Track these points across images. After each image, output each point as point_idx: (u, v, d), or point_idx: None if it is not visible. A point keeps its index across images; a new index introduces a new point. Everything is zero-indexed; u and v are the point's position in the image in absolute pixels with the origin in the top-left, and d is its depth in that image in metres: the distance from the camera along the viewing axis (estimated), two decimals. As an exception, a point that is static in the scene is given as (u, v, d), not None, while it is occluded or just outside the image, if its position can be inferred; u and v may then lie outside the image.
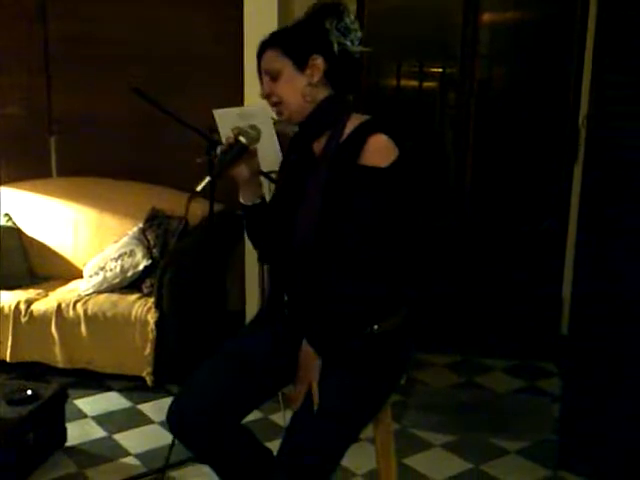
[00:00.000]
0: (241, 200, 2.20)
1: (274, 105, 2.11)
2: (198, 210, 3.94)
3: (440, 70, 4.54)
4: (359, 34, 2.09)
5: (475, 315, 4.51)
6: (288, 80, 2.06)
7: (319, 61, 2.05)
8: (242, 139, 2.08)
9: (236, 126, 2.11)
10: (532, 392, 3.99)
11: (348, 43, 2.07)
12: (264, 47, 2.11)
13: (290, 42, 2.08)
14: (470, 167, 4.49)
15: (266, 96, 2.11)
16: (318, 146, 2.12)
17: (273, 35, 2.12)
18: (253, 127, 2.11)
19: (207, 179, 2.01)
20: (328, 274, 2.02)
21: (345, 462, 3.03)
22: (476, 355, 4.40)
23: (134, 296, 3.90)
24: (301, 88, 2.06)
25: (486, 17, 4.36)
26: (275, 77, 2.07)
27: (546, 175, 4.43)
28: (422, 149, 4.58)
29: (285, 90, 2.07)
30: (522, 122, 4.41)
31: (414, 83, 4.59)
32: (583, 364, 3.07)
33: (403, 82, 4.59)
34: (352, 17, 2.10)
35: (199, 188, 2.00)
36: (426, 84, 4.56)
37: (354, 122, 2.06)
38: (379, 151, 1.98)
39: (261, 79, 2.13)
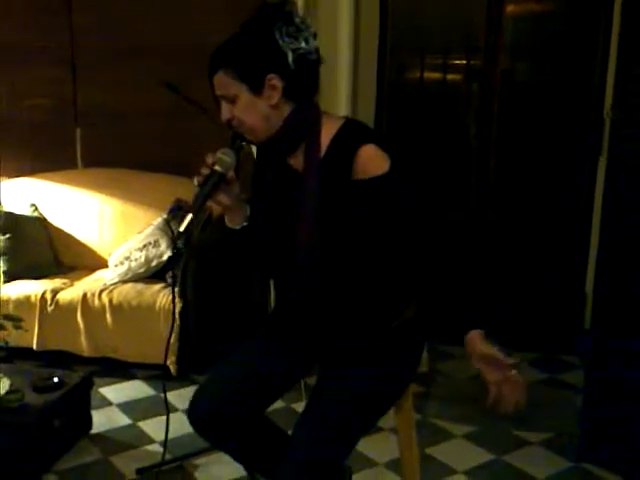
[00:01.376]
0: (228, 225, 2.10)
1: (236, 127, 1.99)
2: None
3: (464, 62, 4.52)
4: (312, 29, 1.97)
5: (497, 307, 4.49)
6: (246, 105, 1.94)
7: (275, 81, 1.93)
8: (218, 168, 1.96)
9: (210, 154, 1.98)
10: (555, 384, 3.99)
11: (303, 44, 1.94)
12: (215, 68, 1.97)
13: (242, 65, 1.93)
14: (493, 159, 4.47)
15: (227, 121, 1.99)
16: (295, 161, 2.03)
17: (223, 53, 1.97)
18: (227, 153, 1.97)
19: (189, 217, 1.91)
20: (339, 283, 2.01)
21: (367, 451, 3.11)
22: (498, 347, 4.38)
23: (158, 286, 3.93)
24: (261, 111, 1.95)
25: (510, 8, 4.33)
26: (232, 101, 1.95)
27: (570, 167, 4.40)
28: (445, 141, 4.56)
29: (245, 115, 1.95)
30: (546, 114, 4.38)
31: (438, 75, 4.58)
32: (605, 357, 3.06)
33: (427, 74, 4.58)
34: (300, 15, 1.99)
35: (182, 228, 1.91)
36: (450, 76, 4.54)
37: (330, 128, 1.98)
38: (372, 161, 1.91)
39: (217, 100, 2.01)
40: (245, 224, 2.08)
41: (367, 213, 1.92)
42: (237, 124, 1.98)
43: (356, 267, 2.00)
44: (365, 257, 1.98)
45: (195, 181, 1.98)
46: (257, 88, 1.93)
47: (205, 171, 1.97)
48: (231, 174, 1.99)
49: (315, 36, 1.97)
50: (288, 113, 1.98)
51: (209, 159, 1.97)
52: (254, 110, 1.95)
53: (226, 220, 2.10)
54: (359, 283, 2.01)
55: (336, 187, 1.93)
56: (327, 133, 1.98)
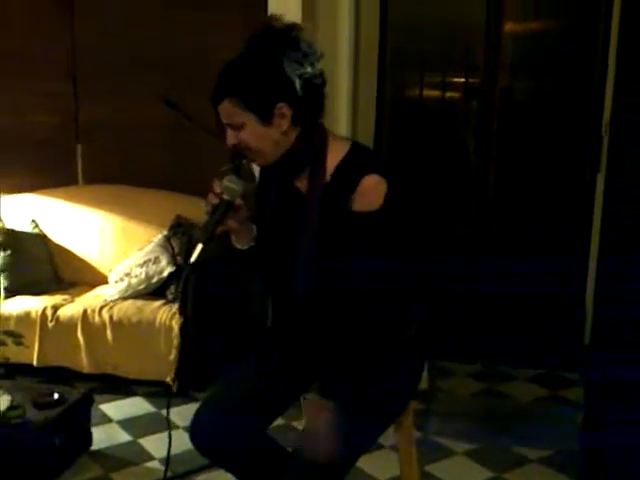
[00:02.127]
0: (235, 245, 2.10)
1: (243, 151, 1.99)
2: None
3: (463, 80, 4.55)
4: (317, 53, 1.96)
5: (498, 324, 4.50)
6: (255, 134, 1.94)
7: (285, 109, 1.93)
8: (225, 197, 1.96)
9: (217, 182, 1.98)
10: (555, 401, 3.98)
11: (309, 70, 1.93)
12: (221, 96, 1.95)
13: (250, 93, 1.91)
14: (492, 176, 4.50)
15: (232, 147, 1.98)
16: (301, 183, 2.04)
17: (229, 81, 1.95)
18: (233, 180, 1.97)
19: (200, 246, 1.92)
20: (338, 303, 2.00)
21: (367, 468, 3.10)
22: (499, 364, 4.39)
23: (159, 302, 3.94)
24: (271, 138, 1.95)
25: (509, 27, 4.37)
26: (239, 128, 1.95)
27: (569, 184, 4.42)
28: (445, 159, 4.58)
29: (253, 141, 1.95)
30: (545, 131, 4.41)
31: (437, 93, 4.61)
32: (606, 374, 3.06)
33: (426, 92, 4.61)
34: (306, 40, 1.97)
35: (193, 259, 1.93)
36: (449, 94, 4.57)
37: (336, 151, 2.00)
38: (370, 194, 1.92)
39: (220, 125, 2.01)
40: (252, 244, 2.09)
41: (360, 241, 1.94)
42: (244, 148, 1.98)
43: (354, 287, 1.99)
44: (362, 278, 1.98)
45: (204, 208, 1.98)
46: (267, 118, 1.93)
47: (213, 200, 1.96)
48: (239, 201, 1.99)
49: (320, 59, 1.98)
50: (295, 137, 1.99)
51: (216, 188, 1.96)
52: (263, 138, 1.95)
53: (233, 240, 2.10)
54: (358, 302, 2.01)
55: (334, 214, 1.95)
56: (333, 158, 1.99)
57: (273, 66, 1.92)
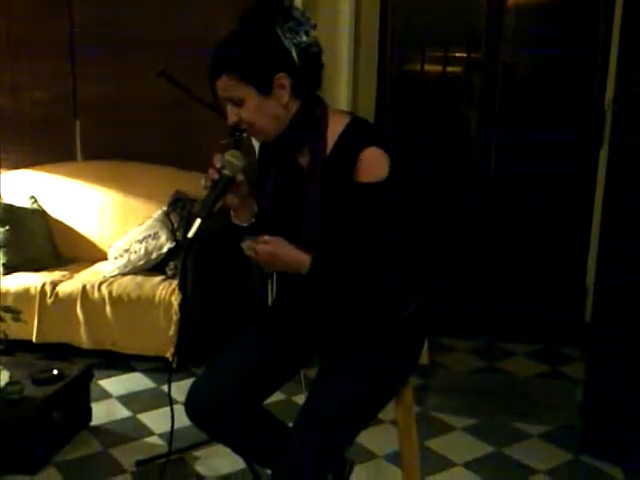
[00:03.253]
0: (235, 222, 2.06)
1: (245, 130, 1.95)
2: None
3: (465, 54, 4.51)
4: (312, 22, 1.94)
5: (498, 300, 4.49)
6: (255, 107, 1.91)
7: (284, 79, 1.91)
8: (226, 172, 1.92)
9: (218, 157, 1.93)
10: (555, 377, 3.98)
11: (304, 38, 1.91)
12: (218, 72, 1.91)
13: (248, 67, 1.88)
14: (495, 151, 4.47)
15: (234, 124, 1.94)
16: (302, 157, 2.02)
17: (225, 58, 1.91)
18: (235, 155, 1.93)
19: (198, 221, 1.88)
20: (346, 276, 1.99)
21: (367, 443, 3.11)
22: (498, 340, 4.39)
23: (158, 278, 3.93)
24: (271, 112, 1.93)
25: (511, 0, 4.32)
26: (238, 103, 1.92)
27: (571, 159, 4.39)
28: (447, 133, 4.55)
29: (254, 117, 1.92)
30: (547, 106, 4.38)
31: (438, 68, 4.57)
32: (606, 349, 3.05)
33: (427, 67, 4.57)
34: (299, 8, 1.96)
35: (191, 234, 1.89)
36: (450, 69, 4.54)
37: (336, 126, 1.97)
38: (374, 165, 1.91)
39: (217, 102, 1.99)
40: (253, 221, 2.06)
41: (365, 213, 1.92)
42: (246, 126, 1.95)
43: (357, 260, 1.98)
44: (367, 252, 1.96)
45: (203, 183, 1.94)
46: (266, 89, 1.91)
47: (214, 175, 1.93)
48: (240, 177, 1.96)
49: (314, 27, 1.95)
50: (296, 110, 1.96)
51: (217, 162, 1.93)
52: (264, 111, 1.92)
53: (232, 217, 2.07)
54: (361, 274, 1.98)
55: (338, 187, 1.93)
56: (333, 131, 1.97)
57: (268, 36, 1.90)
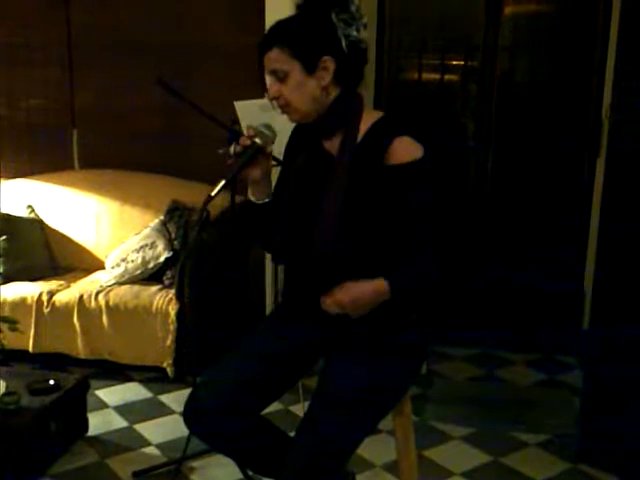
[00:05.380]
0: (250, 197, 2.12)
1: (281, 107, 2.03)
2: (219, 202, 3.94)
3: (462, 62, 4.51)
4: (364, 20, 2.03)
5: (496, 308, 4.49)
6: (297, 84, 1.98)
7: (329, 62, 1.98)
8: (258, 141, 2.00)
9: (251, 126, 2.03)
10: (553, 385, 3.98)
11: (354, 33, 2.00)
12: (270, 44, 1.99)
13: (299, 43, 1.97)
14: (491, 159, 4.47)
15: (273, 98, 2.02)
16: (331, 145, 2.07)
17: (280, 31, 2.00)
18: (268, 127, 2.02)
19: (222, 182, 1.95)
20: (357, 270, 1.99)
21: (365, 453, 3.09)
22: (497, 348, 4.39)
23: (155, 287, 3.92)
24: (311, 92, 1.99)
25: (508, 9, 4.33)
26: (282, 78, 1.98)
27: (568, 167, 4.39)
28: (443, 141, 4.55)
29: (294, 94, 1.99)
30: (544, 114, 4.38)
31: (435, 76, 4.57)
32: (604, 358, 3.05)
33: (425, 75, 4.57)
34: (356, 3, 2.04)
35: (214, 193, 1.95)
36: (447, 76, 4.53)
37: (368, 119, 2.03)
38: (406, 149, 1.95)
39: (263, 75, 2.03)
40: (267, 200, 2.11)
41: (395, 198, 1.94)
42: (283, 103, 2.01)
43: (375, 255, 2.00)
44: (385, 246, 1.99)
45: (232, 149, 2.01)
46: (311, 68, 1.98)
47: (246, 142, 2.00)
48: (269, 148, 2.04)
49: (366, 27, 2.03)
50: (334, 97, 2.02)
51: (250, 131, 2.01)
52: (304, 90, 1.99)
53: (249, 193, 2.12)
54: (376, 271, 1.98)
55: (367, 173, 1.97)
56: (365, 122, 2.03)
57: (323, 20, 1.98)
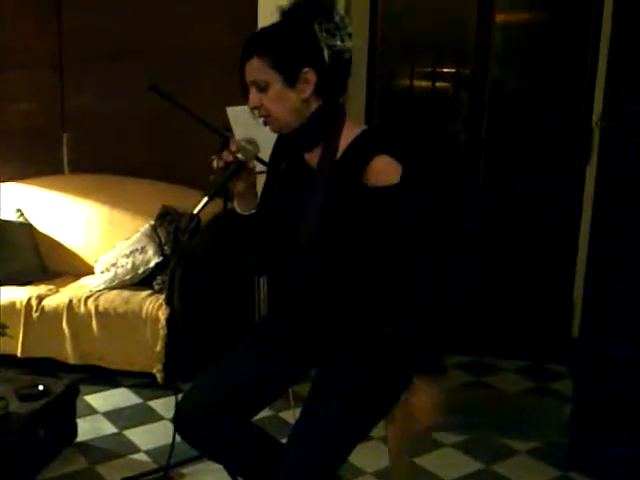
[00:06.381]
0: (236, 209, 2.13)
1: (262, 117, 2.01)
2: (209, 208, 3.93)
3: (453, 71, 4.52)
4: (349, 29, 1.98)
5: (486, 315, 4.49)
6: (277, 95, 1.95)
7: (310, 75, 1.95)
8: (240, 156, 1.99)
9: (235, 140, 2.03)
10: (543, 393, 3.98)
11: (338, 43, 1.95)
12: (250, 53, 1.96)
13: (280, 54, 1.94)
14: (482, 168, 4.48)
15: (254, 108, 2.00)
16: (311, 157, 2.04)
17: (260, 40, 1.98)
18: (252, 142, 2.02)
19: (204, 200, 1.94)
20: (335, 284, 2.01)
21: (356, 460, 3.09)
22: (486, 355, 4.39)
23: (145, 293, 3.91)
24: (291, 104, 1.96)
25: (500, 17, 4.34)
26: (263, 89, 1.96)
27: (559, 176, 4.41)
28: (435, 150, 4.56)
29: (274, 105, 1.96)
30: (535, 123, 4.39)
31: (427, 84, 4.58)
32: (594, 366, 3.06)
33: (416, 83, 4.58)
34: (341, 12, 2.01)
35: (196, 210, 1.94)
36: (439, 85, 4.54)
37: (349, 133, 1.99)
38: (384, 171, 1.92)
39: (245, 86, 2.01)
40: (253, 211, 2.11)
41: (371, 219, 1.92)
42: (264, 113, 1.99)
43: (354, 269, 1.99)
44: (363, 260, 1.98)
45: (214, 163, 2.00)
46: (291, 80, 1.95)
47: (228, 157, 1.99)
48: (252, 164, 2.03)
49: (350, 36, 1.99)
50: (315, 109, 1.99)
51: (233, 146, 1.99)
52: (284, 101, 1.96)
53: (235, 205, 2.12)
54: (355, 286, 2.00)
55: (345, 190, 1.94)
56: (347, 137, 1.99)
57: (305, 30, 1.95)
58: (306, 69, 1.94)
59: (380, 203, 1.92)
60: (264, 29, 2.01)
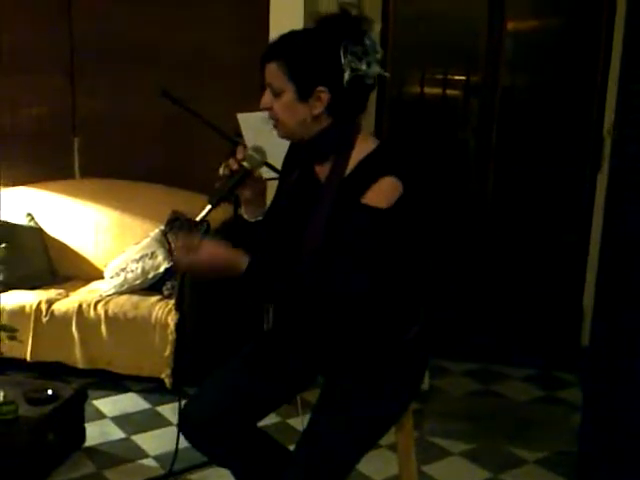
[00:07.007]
0: (244, 215, 2.14)
1: (272, 119, 2.01)
2: (219, 214, 3.93)
3: (464, 78, 4.52)
4: (378, 56, 1.96)
5: (494, 323, 4.48)
6: (288, 105, 1.95)
7: (324, 94, 1.93)
8: (246, 164, 2.00)
9: (241, 148, 2.03)
10: (551, 402, 3.97)
11: (363, 67, 1.92)
12: (271, 56, 1.96)
13: (298, 66, 1.92)
14: (492, 175, 4.47)
15: (264, 108, 2.00)
16: (321, 170, 2.04)
17: (282, 46, 1.96)
18: (259, 150, 2.03)
19: (207, 207, 1.94)
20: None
21: (364, 468, 3.08)
22: (494, 363, 4.38)
23: (155, 298, 3.91)
24: (300, 116, 1.96)
25: (511, 25, 4.33)
26: (277, 94, 1.96)
27: (569, 184, 4.40)
28: (445, 156, 4.55)
29: (283, 113, 1.96)
30: (545, 130, 4.38)
31: (438, 91, 4.57)
32: (604, 376, 3.04)
33: (427, 90, 4.57)
34: (373, 37, 1.97)
35: (199, 218, 1.95)
36: (450, 92, 4.54)
37: (361, 148, 1.99)
38: (383, 193, 1.90)
39: (264, 84, 2.01)
40: (260, 218, 2.12)
41: (364, 234, 1.92)
42: (272, 115, 1.99)
43: (352, 285, 1.96)
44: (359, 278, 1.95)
45: (220, 171, 2.01)
46: (304, 95, 1.94)
47: (233, 165, 2.00)
48: (257, 172, 2.04)
49: (379, 62, 1.97)
50: (326, 126, 1.98)
51: (239, 154, 2.00)
52: (294, 112, 1.96)
53: (242, 211, 2.14)
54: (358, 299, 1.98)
55: (345, 207, 1.93)
56: (359, 152, 1.99)
57: (329, 49, 1.92)
58: (321, 87, 1.93)
59: (367, 221, 1.91)
60: (292, 34, 2.00)
